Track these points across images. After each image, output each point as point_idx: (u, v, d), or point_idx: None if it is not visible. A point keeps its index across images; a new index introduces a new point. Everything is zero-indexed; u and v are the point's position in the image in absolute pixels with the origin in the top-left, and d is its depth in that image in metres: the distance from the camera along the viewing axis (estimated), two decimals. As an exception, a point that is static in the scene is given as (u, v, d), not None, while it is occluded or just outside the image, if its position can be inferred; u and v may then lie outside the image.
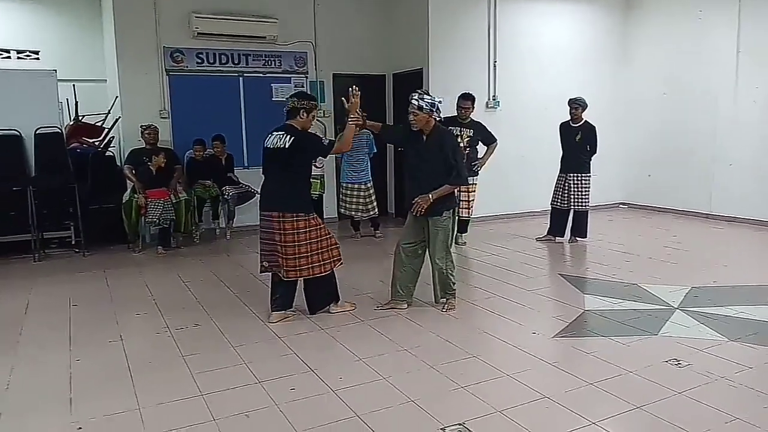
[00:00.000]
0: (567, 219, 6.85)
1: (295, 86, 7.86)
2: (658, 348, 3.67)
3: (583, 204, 6.73)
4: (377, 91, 8.54)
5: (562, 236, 6.86)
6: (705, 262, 5.82)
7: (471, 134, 6.47)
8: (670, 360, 3.47)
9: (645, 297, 4.68)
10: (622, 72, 9.08)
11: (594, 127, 6.67)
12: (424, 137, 4.29)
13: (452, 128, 6.44)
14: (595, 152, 6.73)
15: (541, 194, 8.04)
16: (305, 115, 4.16)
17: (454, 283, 4.46)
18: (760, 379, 3.21)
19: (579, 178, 6.69)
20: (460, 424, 2.76)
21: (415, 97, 4.20)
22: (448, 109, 6.62)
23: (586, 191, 6.71)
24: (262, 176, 4.25)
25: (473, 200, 6.62)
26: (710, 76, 7.99)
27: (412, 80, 7.96)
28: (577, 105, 6.65)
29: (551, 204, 6.93)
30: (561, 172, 6.81)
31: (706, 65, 8.03)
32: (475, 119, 6.58)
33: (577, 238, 6.81)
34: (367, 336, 3.94)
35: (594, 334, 3.93)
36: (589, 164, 6.73)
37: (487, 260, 6.11)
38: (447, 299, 4.48)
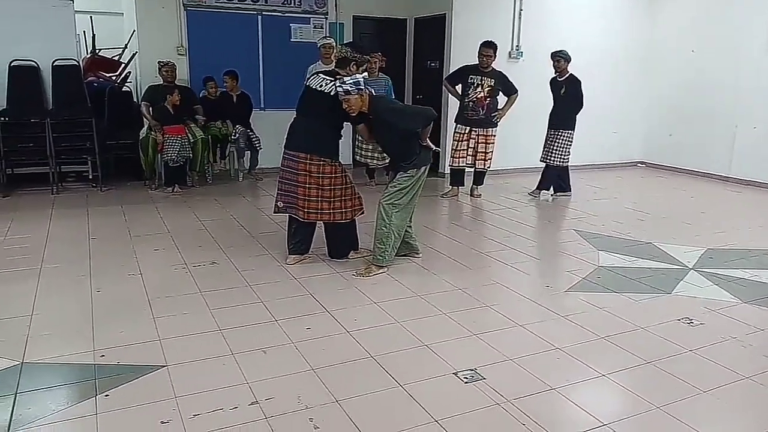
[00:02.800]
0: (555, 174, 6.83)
1: (315, 27, 7.70)
2: (671, 306, 3.69)
3: (557, 159, 6.62)
4: (398, 35, 8.34)
5: (548, 190, 6.84)
6: (721, 225, 5.77)
7: (492, 84, 6.35)
8: (682, 318, 3.50)
9: (660, 256, 4.68)
10: (649, 26, 8.79)
11: (579, 80, 6.48)
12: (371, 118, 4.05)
13: (473, 77, 6.38)
14: (582, 106, 6.53)
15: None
16: (355, 68, 4.11)
17: (383, 252, 4.06)
18: (771, 341, 3.24)
19: (560, 134, 6.58)
20: (472, 370, 2.82)
21: (338, 85, 3.85)
22: (470, 58, 6.51)
23: (563, 147, 6.59)
24: (295, 114, 4.24)
25: (491, 152, 6.55)
26: (740, 34, 7.73)
27: (435, 26, 7.77)
28: (559, 57, 6.48)
29: (540, 160, 6.86)
30: (548, 128, 6.73)
31: (737, 23, 7.76)
32: (497, 69, 6.43)
33: (550, 192, 6.79)
34: (382, 281, 3.98)
35: (607, 289, 3.95)
36: (574, 121, 6.57)
37: (502, 213, 6.10)
38: (370, 262, 4.14)
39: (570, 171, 6.94)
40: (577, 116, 6.58)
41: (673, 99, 8.71)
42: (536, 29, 7.94)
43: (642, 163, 9.24)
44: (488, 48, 6.28)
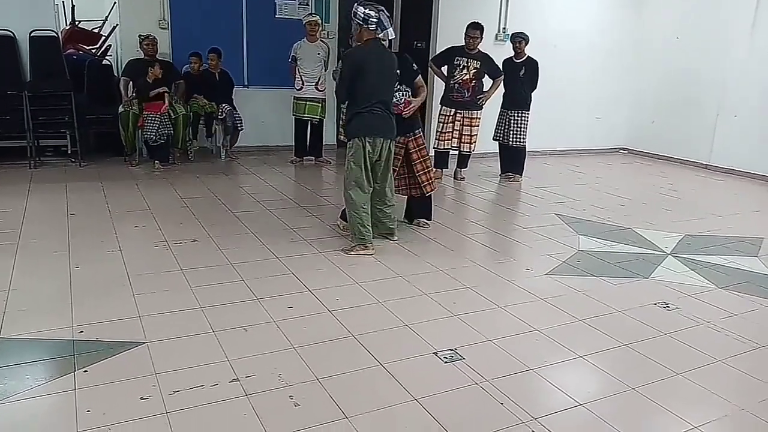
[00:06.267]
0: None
1: (300, 4, 7.58)
2: (648, 290, 3.76)
3: (521, 141, 6.69)
4: (384, 15, 8.24)
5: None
6: (700, 212, 5.87)
7: (478, 66, 6.33)
8: (658, 303, 3.56)
9: (638, 241, 4.75)
10: (636, 13, 8.81)
11: (537, 61, 6.54)
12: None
13: (459, 59, 6.35)
14: (536, 87, 6.62)
15: (543, 133, 7.99)
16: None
17: (353, 231, 4.10)
18: (744, 326, 3.31)
19: (519, 115, 6.64)
20: (452, 350, 2.85)
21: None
22: (457, 39, 6.48)
23: (524, 128, 6.67)
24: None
25: (475, 135, 6.54)
26: (726, 24, 7.79)
27: (421, 4, 7.71)
28: (520, 39, 6.52)
29: (494, 139, 6.90)
30: (502, 107, 6.75)
31: (723, 12, 7.81)
32: (483, 51, 6.41)
33: (513, 174, 6.83)
34: (364, 262, 3.99)
35: (586, 273, 4.00)
36: (530, 101, 6.65)
37: (485, 196, 6.14)
38: (355, 243, 4.13)
39: (549, 156, 6.99)
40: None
41: (656, 86, 8.77)
42: (523, 12, 7.91)
43: (624, 149, 9.32)
44: (475, 30, 6.25)
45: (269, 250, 4.09)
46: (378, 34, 3.95)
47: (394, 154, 4.25)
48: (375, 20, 3.89)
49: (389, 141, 4.07)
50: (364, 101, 3.94)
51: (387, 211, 4.34)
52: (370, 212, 4.16)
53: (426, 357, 2.78)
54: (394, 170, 4.34)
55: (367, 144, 3.96)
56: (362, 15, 3.88)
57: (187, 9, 7.05)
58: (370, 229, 4.14)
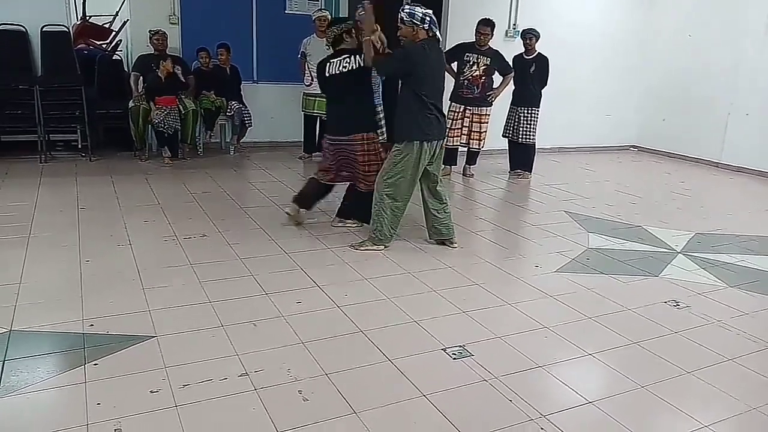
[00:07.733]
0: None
1: (310, -1, 7.59)
2: (658, 289, 3.73)
3: (530, 138, 6.67)
4: (393, 11, 8.21)
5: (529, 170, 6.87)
6: (711, 210, 5.82)
7: (488, 62, 6.30)
8: (669, 301, 3.54)
9: (649, 239, 4.72)
10: (647, 9, 8.73)
11: (547, 58, 6.51)
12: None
13: (469, 55, 6.32)
14: (546, 84, 6.59)
15: (553, 130, 7.96)
16: (348, 37, 4.21)
17: (376, 231, 4.06)
18: (755, 325, 3.29)
19: (529, 112, 6.61)
20: (460, 346, 2.84)
21: (401, 9, 3.99)
22: (466, 35, 6.44)
23: (534, 125, 6.64)
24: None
25: (485, 132, 6.52)
26: (737, 21, 7.71)
27: (432, 1, 7.67)
28: (531, 36, 6.50)
29: (503, 136, 6.87)
30: (512, 104, 6.73)
31: (735, 10, 7.73)
32: (494, 47, 6.38)
33: (522, 171, 6.80)
34: (373, 258, 3.99)
35: (596, 271, 3.98)
36: (540, 98, 6.62)
37: (493, 193, 6.12)
38: (368, 238, 4.14)
39: (559, 153, 6.95)
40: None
41: (667, 84, 8.69)
42: (533, 9, 7.86)
43: (635, 147, 9.26)
44: (486, 26, 6.22)
45: (278, 246, 4.09)
46: (434, 31, 3.98)
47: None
48: (429, 18, 3.94)
49: (442, 141, 4.10)
50: (423, 104, 3.93)
51: (443, 215, 4.20)
52: (401, 216, 4.16)
53: (434, 353, 2.78)
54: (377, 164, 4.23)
55: (425, 149, 3.95)
56: (421, 14, 3.90)
57: (197, 4, 7.06)
58: (393, 233, 4.13)
